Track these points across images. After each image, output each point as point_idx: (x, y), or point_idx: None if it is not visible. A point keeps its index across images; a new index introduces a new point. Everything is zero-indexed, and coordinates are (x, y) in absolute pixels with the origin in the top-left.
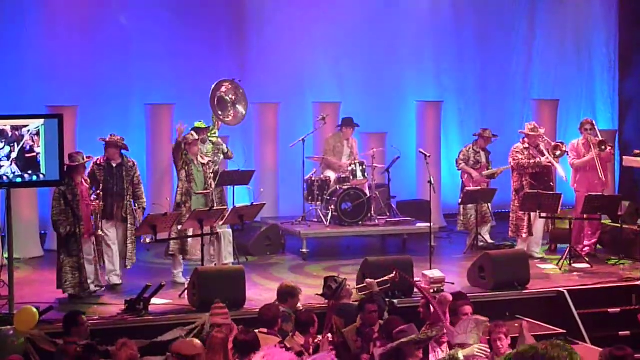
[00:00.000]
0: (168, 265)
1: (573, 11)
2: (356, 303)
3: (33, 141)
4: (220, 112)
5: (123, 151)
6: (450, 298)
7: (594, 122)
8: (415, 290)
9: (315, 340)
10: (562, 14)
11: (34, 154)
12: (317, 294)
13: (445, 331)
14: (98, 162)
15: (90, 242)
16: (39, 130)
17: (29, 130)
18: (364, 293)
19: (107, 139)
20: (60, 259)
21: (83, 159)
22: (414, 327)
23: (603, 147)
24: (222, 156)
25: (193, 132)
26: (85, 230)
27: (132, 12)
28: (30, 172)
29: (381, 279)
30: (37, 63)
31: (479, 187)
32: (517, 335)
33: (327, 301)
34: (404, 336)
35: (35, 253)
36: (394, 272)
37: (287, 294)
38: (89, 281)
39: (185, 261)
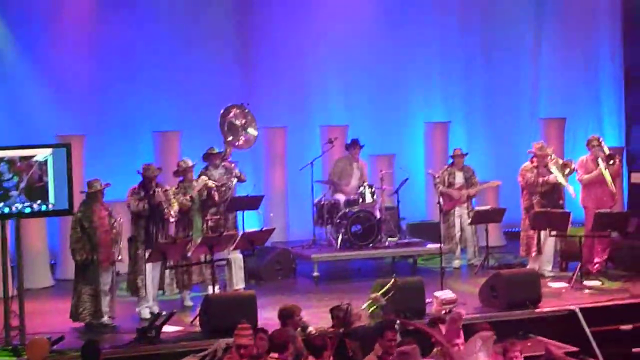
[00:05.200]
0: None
1: (578, 28)
2: (368, 325)
3: (41, 171)
4: (231, 137)
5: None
6: (464, 314)
7: (601, 139)
8: (427, 312)
9: None
10: (568, 32)
11: (43, 183)
12: (329, 328)
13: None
14: (135, 191)
15: (109, 271)
16: (47, 159)
17: (37, 160)
18: (372, 309)
19: (142, 172)
20: (78, 288)
21: (100, 186)
22: (417, 349)
23: (611, 162)
24: (235, 180)
25: (186, 160)
26: (105, 258)
27: (139, 40)
28: (39, 201)
29: (384, 289)
30: (45, 93)
31: (489, 207)
32: (531, 354)
33: (334, 329)
34: (406, 358)
35: (45, 283)
36: (393, 279)
37: (284, 316)
38: (103, 311)
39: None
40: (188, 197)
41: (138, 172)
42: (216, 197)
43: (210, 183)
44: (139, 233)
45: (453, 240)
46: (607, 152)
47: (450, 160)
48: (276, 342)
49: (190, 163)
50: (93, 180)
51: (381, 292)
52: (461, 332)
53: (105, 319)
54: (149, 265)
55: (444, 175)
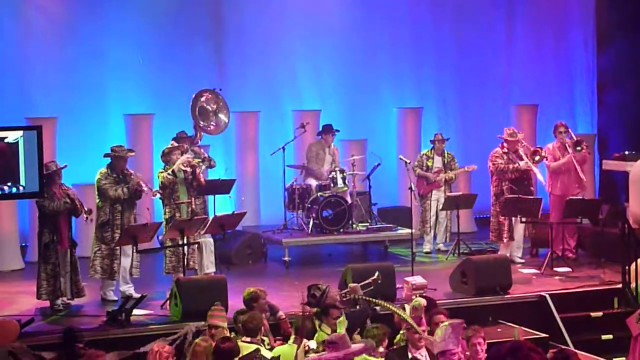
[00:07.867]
0: (149, 276)
1: (551, 17)
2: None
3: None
4: (202, 122)
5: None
6: (424, 303)
7: (567, 125)
8: (398, 297)
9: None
10: (540, 20)
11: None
12: (302, 303)
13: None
14: (107, 174)
15: (66, 255)
16: (17, 142)
17: (7, 142)
18: (348, 298)
19: (112, 154)
20: (39, 267)
21: (56, 167)
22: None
23: (578, 148)
24: (203, 165)
25: (173, 142)
26: (61, 241)
27: (109, 22)
28: (9, 184)
29: (364, 282)
30: (15, 75)
31: (460, 193)
32: (496, 340)
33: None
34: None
35: (15, 265)
36: (376, 274)
37: (250, 300)
38: (62, 292)
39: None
40: (170, 171)
41: (106, 155)
42: (202, 179)
43: (193, 160)
44: (113, 217)
45: (427, 224)
46: (575, 138)
47: (430, 145)
48: (248, 326)
49: (176, 144)
50: (49, 162)
51: (362, 284)
52: (424, 320)
53: (64, 299)
54: (126, 248)
55: (423, 158)
